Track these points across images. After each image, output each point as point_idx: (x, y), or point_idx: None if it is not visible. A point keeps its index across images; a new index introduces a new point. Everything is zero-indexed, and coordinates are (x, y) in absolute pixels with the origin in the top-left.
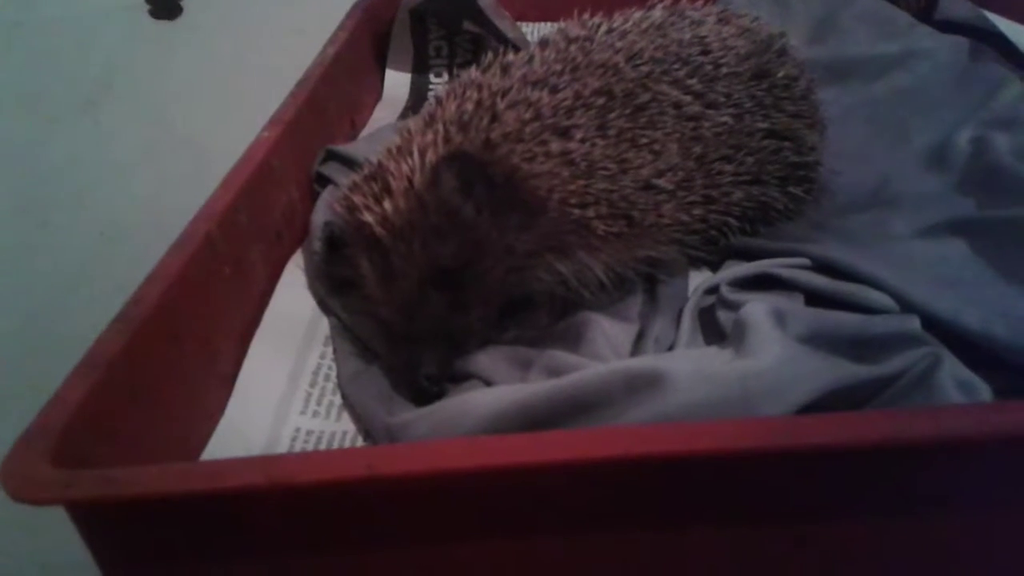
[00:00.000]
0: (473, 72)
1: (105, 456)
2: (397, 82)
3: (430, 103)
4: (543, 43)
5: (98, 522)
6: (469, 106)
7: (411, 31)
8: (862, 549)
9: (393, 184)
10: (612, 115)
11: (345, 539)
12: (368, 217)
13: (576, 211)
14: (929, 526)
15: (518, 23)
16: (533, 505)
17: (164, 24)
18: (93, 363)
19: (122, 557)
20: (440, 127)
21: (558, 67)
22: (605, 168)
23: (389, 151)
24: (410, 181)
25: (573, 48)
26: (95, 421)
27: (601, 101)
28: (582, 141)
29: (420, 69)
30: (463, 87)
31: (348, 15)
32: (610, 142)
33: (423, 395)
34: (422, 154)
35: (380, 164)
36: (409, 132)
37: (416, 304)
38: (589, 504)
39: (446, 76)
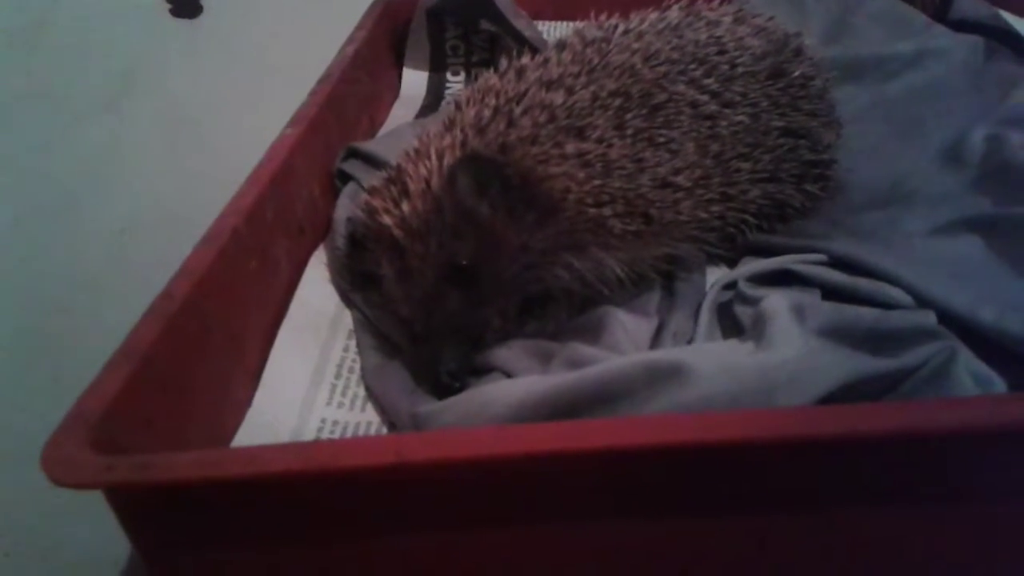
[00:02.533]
0: (492, 78)
1: (140, 444)
2: (414, 80)
3: (450, 108)
4: (560, 45)
5: (136, 507)
6: (487, 112)
7: (428, 30)
8: (879, 536)
9: (411, 186)
10: (629, 115)
11: (375, 524)
12: (387, 220)
13: (592, 210)
14: (943, 515)
15: (534, 22)
16: (556, 493)
17: (185, 22)
18: (128, 354)
19: (159, 540)
20: (458, 131)
21: (575, 69)
22: (622, 168)
23: (408, 154)
24: (428, 183)
25: (590, 50)
26: (131, 410)
27: (618, 102)
28: (598, 141)
29: (437, 67)
30: (482, 93)
31: (366, 14)
32: (627, 142)
33: (444, 391)
34: (440, 157)
35: (399, 167)
36: (428, 136)
37: (433, 301)
38: (613, 492)
39: (463, 74)
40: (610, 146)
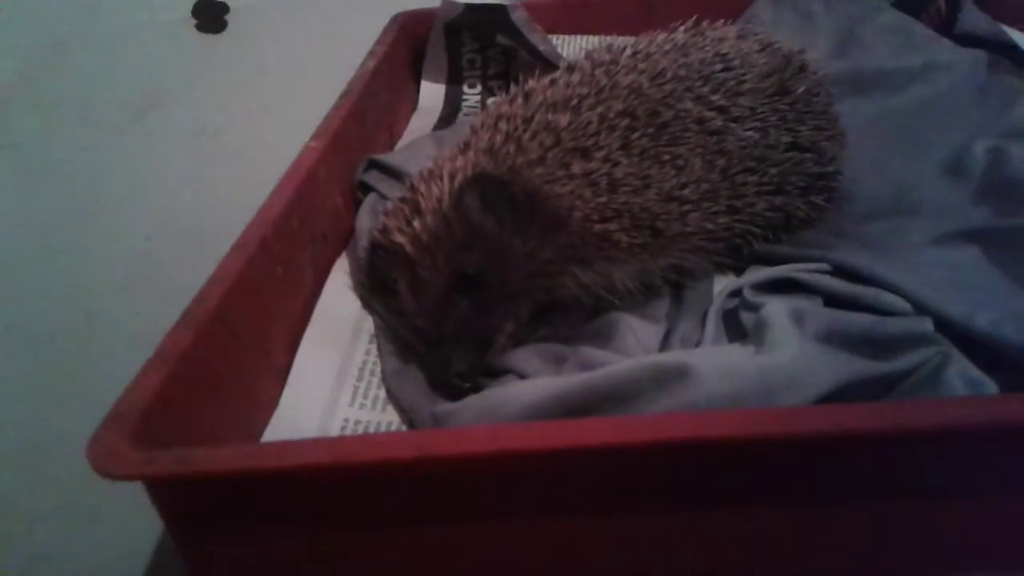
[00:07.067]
0: (504, 104)
1: (176, 440)
2: (432, 93)
3: (466, 132)
4: (570, 67)
5: (174, 497)
6: (499, 137)
7: (445, 44)
8: (875, 529)
9: (423, 205)
10: (635, 135)
11: (398, 514)
12: (400, 238)
13: (598, 226)
14: (932, 510)
15: (549, 36)
16: (566, 486)
17: (209, 37)
18: (165, 355)
19: (194, 529)
20: (471, 155)
21: (583, 90)
22: (628, 184)
23: (422, 175)
24: (439, 202)
25: (599, 72)
26: (168, 408)
27: (625, 122)
28: (604, 161)
29: (454, 80)
30: (494, 119)
31: (385, 30)
32: (633, 160)
33: (456, 393)
34: (451, 178)
35: (413, 187)
36: (442, 158)
37: (443, 308)
38: (623, 485)
39: (479, 87)
40: (616, 165)
